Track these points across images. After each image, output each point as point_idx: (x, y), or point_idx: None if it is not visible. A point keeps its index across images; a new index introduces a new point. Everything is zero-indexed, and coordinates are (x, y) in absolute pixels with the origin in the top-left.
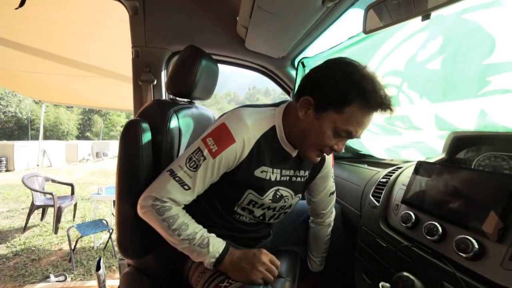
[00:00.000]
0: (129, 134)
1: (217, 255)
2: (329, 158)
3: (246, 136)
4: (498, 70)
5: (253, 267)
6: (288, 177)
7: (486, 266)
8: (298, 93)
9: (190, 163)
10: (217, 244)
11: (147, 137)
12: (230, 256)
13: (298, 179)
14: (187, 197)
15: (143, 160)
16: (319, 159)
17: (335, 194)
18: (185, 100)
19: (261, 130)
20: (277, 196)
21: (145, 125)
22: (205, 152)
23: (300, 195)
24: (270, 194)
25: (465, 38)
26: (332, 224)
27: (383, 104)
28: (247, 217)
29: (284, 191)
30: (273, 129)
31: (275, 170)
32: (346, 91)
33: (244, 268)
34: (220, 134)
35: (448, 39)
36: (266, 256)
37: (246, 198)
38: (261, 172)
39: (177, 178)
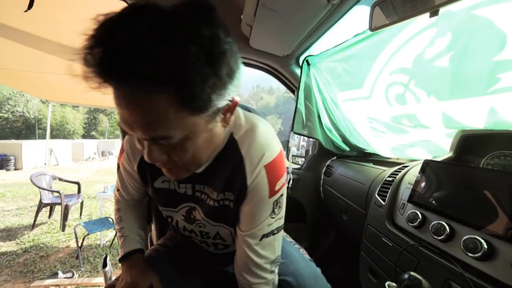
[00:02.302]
0: None
1: (122, 254)
2: (260, 179)
3: (129, 141)
4: (509, 67)
5: (121, 281)
6: (203, 194)
7: (496, 266)
8: None
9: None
10: (128, 246)
11: None
12: (128, 261)
13: (222, 202)
14: (124, 195)
15: None
16: (174, 175)
17: (267, 238)
18: None
19: None
20: (191, 217)
21: None
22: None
23: (226, 225)
24: (182, 210)
25: (475, 34)
26: (270, 283)
27: (98, 63)
28: (191, 236)
29: (197, 213)
30: None
31: (181, 184)
32: None
33: (122, 277)
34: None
35: (457, 35)
36: (130, 280)
37: (164, 213)
38: (162, 182)
39: (118, 177)
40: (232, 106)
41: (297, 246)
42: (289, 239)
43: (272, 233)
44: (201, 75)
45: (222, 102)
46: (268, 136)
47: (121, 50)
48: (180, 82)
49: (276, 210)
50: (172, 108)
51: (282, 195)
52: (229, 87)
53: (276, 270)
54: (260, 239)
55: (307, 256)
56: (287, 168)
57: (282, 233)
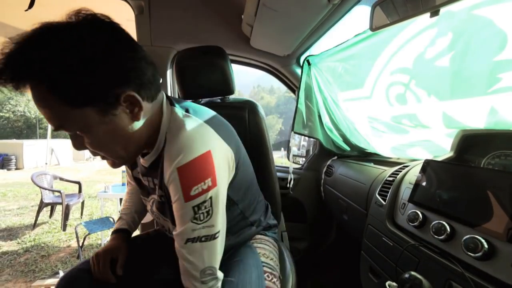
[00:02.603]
0: None
1: (112, 230)
2: (173, 181)
3: None
4: (509, 67)
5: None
6: (156, 188)
7: (496, 266)
8: None
9: None
10: (118, 225)
11: None
12: (112, 236)
13: (162, 198)
14: (130, 181)
15: None
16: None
17: (193, 244)
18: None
19: None
20: (153, 208)
21: None
22: None
23: (170, 222)
24: (150, 201)
25: (476, 34)
26: None
27: None
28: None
29: (155, 205)
30: None
31: (143, 177)
32: None
33: None
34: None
35: (457, 35)
36: (103, 253)
37: (143, 202)
38: (138, 173)
39: None
40: (134, 102)
41: (268, 275)
42: (266, 267)
43: (199, 239)
44: (67, 74)
45: (102, 99)
46: (191, 138)
47: (7, 62)
48: (50, 80)
49: (201, 217)
50: (54, 102)
51: (205, 202)
52: (107, 84)
53: (212, 284)
54: (185, 243)
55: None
56: (288, 167)
57: (217, 244)
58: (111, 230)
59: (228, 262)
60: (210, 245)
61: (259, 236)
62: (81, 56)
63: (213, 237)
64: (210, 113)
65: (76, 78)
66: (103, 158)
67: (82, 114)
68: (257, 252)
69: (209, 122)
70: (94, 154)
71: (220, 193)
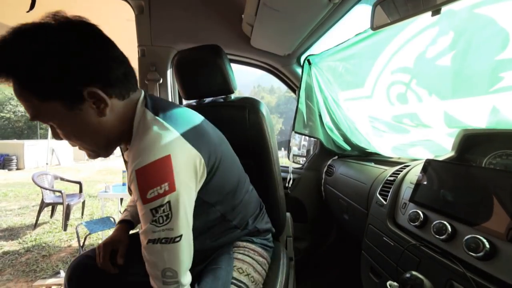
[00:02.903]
0: None
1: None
2: (133, 182)
3: None
4: (511, 66)
5: None
6: None
7: (498, 266)
8: None
9: None
10: (122, 216)
11: None
12: (116, 227)
13: None
14: None
15: None
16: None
17: (154, 245)
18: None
19: None
20: None
21: None
22: None
23: None
24: None
25: (477, 33)
26: None
27: None
28: None
29: None
30: None
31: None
32: None
33: None
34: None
35: (459, 34)
36: (104, 246)
37: None
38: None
39: None
40: (100, 98)
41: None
42: (235, 284)
43: (160, 241)
44: (32, 70)
45: (62, 95)
46: (152, 141)
47: None
48: (18, 75)
49: (160, 220)
50: (26, 94)
51: (162, 206)
52: (70, 81)
53: (174, 287)
54: (147, 243)
55: None
56: (288, 167)
57: (179, 248)
58: (112, 229)
59: (205, 269)
60: (171, 248)
61: (243, 243)
62: (45, 54)
63: (173, 240)
64: (188, 119)
65: (40, 74)
66: (79, 148)
67: (50, 107)
68: (233, 265)
69: (178, 127)
70: (71, 144)
71: (181, 198)
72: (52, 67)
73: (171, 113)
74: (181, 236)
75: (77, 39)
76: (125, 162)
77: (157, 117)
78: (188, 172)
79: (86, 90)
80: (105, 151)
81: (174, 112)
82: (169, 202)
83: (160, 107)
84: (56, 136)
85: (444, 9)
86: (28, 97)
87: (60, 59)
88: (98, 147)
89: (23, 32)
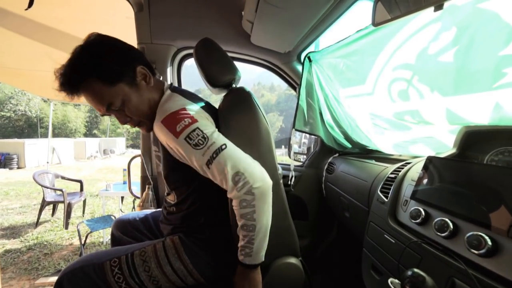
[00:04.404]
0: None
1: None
2: (157, 133)
3: None
4: None
5: None
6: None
7: (500, 263)
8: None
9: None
10: None
11: None
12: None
13: (157, 153)
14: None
15: None
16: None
17: (216, 160)
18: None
19: None
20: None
21: None
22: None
23: (163, 172)
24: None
25: (481, 28)
26: (237, 204)
27: None
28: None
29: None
30: None
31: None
32: None
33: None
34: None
35: (462, 30)
36: None
37: None
38: None
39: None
40: (145, 73)
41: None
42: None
43: (213, 158)
44: (103, 67)
45: (129, 73)
46: (171, 102)
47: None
48: (94, 74)
49: (200, 142)
50: (101, 86)
51: (194, 131)
52: (126, 67)
53: (247, 189)
54: (208, 167)
55: None
56: (290, 165)
57: (230, 153)
58: None
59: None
60: (224, 155)
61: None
62: (107, 53)
63: (221, 149)
64: (198, 98)
65: (108, 65)
66: (139, 125)
67: (119, 89)
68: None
69: (190, 99)
70: (134, 123)
71: (205, 123)
72: (114, 59)
73: (187, 93)
74: (225, 144)
75: (118, 40)
76: (153, 148)
77: (173, 93)
78: (202, 116)
79: (137, 69)
80: (151, 123)
81: (190, 93)
82: (197, 128)
83: (179, 89)
84: (124, 119)
85: (446, 4)
86: (102, 89)
87: (115, 52)
88: (148, 119)
89: (88, 45)
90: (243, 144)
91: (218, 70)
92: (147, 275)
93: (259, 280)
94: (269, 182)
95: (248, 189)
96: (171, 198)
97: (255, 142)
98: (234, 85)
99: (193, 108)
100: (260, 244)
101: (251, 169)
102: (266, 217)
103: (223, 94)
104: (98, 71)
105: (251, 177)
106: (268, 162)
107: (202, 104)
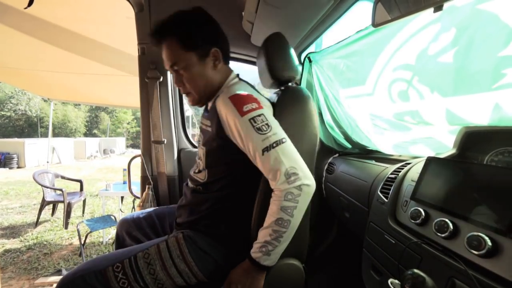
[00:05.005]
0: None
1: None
2: (220, 108)
3: None
4: None
5: None
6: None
7: (500, 263)
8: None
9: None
10: None
11: None
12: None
13: (206, 128)
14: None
15: None
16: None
17: (274, 150)
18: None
19: None
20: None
21: None
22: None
23: (204, 148)
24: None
25: (480, 29)
26: (283, 195)
27: None
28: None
29: (199, 140)
30: None
31: (203, 119)
32: None
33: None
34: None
35: (461, 31)
36: None
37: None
38: (200, 122)
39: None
40: (217, 57)
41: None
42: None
43: (272, 146)
44: (188, 33)
45: (205, 48)
46: (236, 88)
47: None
48: (178, 34)
49: (263, 128)
50: (177, 46)
51: (259, 116)
52: (205, 43)
53: (298, 183)
54: (263, 154)
55: None
56: None
57: (290, 147)
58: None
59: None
60: (283, 148)
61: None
62: (199, 23)
63: (281, 141)
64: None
65: (193, 34)
66: (187, 93)
67: (188, 56)
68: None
69: (255, 90)
70: (185, 90)
71: (267, 113)
72: (200, 31)
73: (251, 85)
74: (285, 138)
75: (214, 20)
76: (203, 121)
77: (241, 80)
78: (268, 106)
79: (213, 49)
80: (202, 99)
81: (253, 85)
82: (263, 114)
83: (245, 80)
84: (179, 82)
85: (446, 5)
86: (178, 48)
87: (206, 27)
88: (200, 95)
89: (188, 12)
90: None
91: (283, 65)
92: (152, 278)
93: (261, 285)
94: (313, 183)
95: (299, 184)
96: (201, 176)
97: (302, 141)
98: (290, 84)
99: (260, 98)
100: (284, 245)
101: (304, 167)
102: (301, 216)
103: (274, 89)
104: (182, 35)
105: (304, 175)
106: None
107: (264, 97)
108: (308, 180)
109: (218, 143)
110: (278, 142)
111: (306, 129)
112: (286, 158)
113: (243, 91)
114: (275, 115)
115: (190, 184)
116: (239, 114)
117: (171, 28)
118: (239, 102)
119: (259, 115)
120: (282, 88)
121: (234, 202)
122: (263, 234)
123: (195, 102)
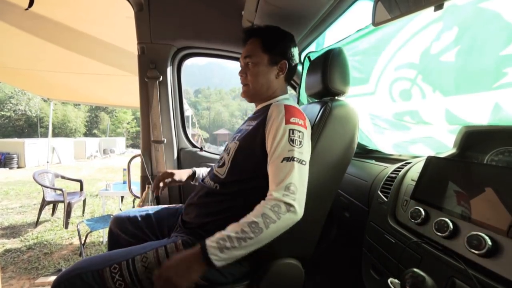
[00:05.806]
0: None
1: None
2: (272, 109)
3: None
4: None
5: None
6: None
7: (500, 263)
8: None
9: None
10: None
11: None
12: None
13: (247, 127)
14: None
15: None
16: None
17: (293, 163)
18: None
19: None
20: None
21: None
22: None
23: (237, 142)
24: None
25: (482, 28)
26: (271, 204)
27: None
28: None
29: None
30: None
31: (250, 120)
32: None
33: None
34: (295, 111)
35: (463, 30)
36: (165, 172)
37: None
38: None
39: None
40: (283, 69)
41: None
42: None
43: (292, 159)
44: (271, 40)
45: (277, 58)
46: (294, 104)
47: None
48: (264, 37)
49: (296, 142)
50: (259, 45)
51: (300, 131)
52: (280, 54)
53: (289, 200)
54: (282, 161)
55: None
56: None
57: (305, 171)
58: None
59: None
60: (299, 167)
61: None
62: (284, 38)
63: (301, 161)
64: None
65: (277, 43)
66: (245, 84)
67: (263, 56)
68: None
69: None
70: (244, 81)
71: (306, 136)
72: (281, 43)
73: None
74: (306, 162)
75: (295, 44)
76: (248, 123)
77: (290, 99)
78: (309, 131)
79: (282, 61)
80: (254, 95)
81: None
82: (302, 133)
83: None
84: (244, 72)
85: (446, 4)
86: (258, 47)
87: (286, 44)
88: (255, 90)
89: (280, 28)
90: (325, 152)
91: (338, 79)
92: (149, 282)
93: (196, 278)
94: (300, 215)
95: (290, 203)
96: (221, 172)
97: (335, 159)
98: (336, 97)
99: (307, 119)
100: (241, 252)
101: (303, 196)
102: (274, 235)
103: (314, 100)
104: (266, 39)
105: (299, 200)
106: (329, 177)
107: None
108: (299, 207)
109: (253, 137)
110: (300, 161)
111: (349, 147)
112: (297, 176)
113: (298, 109)
114: (316, 130)
115: (207, 181)
116: (285, 120)
117: (262, 31)
118: (290, 113)
119: (299, 131)
120: (328, 99)
121: (244, 214)
122: (231, 228)
123: (247, 95)
